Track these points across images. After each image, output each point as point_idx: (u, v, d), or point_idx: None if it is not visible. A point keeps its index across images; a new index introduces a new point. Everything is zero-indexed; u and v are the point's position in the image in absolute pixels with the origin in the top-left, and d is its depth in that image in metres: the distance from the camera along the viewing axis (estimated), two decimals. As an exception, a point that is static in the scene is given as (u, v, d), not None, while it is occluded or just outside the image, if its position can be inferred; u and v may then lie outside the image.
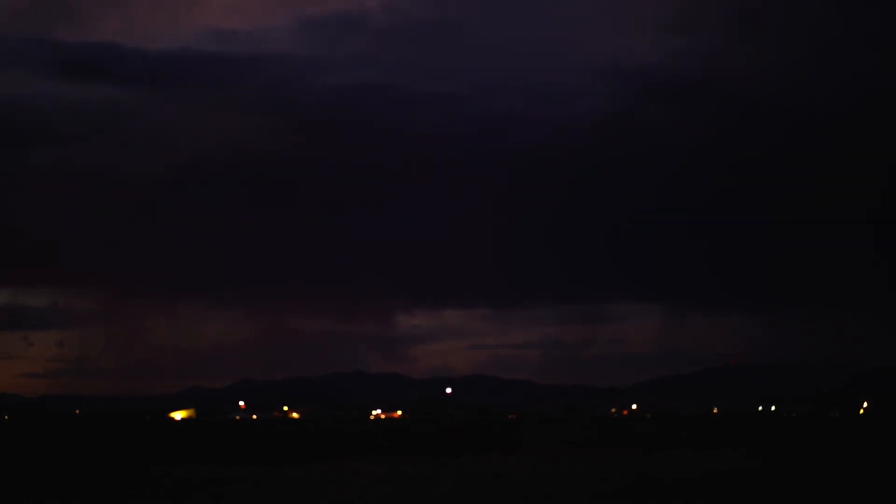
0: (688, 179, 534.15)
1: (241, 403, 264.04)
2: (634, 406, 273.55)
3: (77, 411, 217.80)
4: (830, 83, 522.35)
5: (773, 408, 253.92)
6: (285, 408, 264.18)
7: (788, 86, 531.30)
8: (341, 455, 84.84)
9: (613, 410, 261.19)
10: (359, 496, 50.58)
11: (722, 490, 51.32)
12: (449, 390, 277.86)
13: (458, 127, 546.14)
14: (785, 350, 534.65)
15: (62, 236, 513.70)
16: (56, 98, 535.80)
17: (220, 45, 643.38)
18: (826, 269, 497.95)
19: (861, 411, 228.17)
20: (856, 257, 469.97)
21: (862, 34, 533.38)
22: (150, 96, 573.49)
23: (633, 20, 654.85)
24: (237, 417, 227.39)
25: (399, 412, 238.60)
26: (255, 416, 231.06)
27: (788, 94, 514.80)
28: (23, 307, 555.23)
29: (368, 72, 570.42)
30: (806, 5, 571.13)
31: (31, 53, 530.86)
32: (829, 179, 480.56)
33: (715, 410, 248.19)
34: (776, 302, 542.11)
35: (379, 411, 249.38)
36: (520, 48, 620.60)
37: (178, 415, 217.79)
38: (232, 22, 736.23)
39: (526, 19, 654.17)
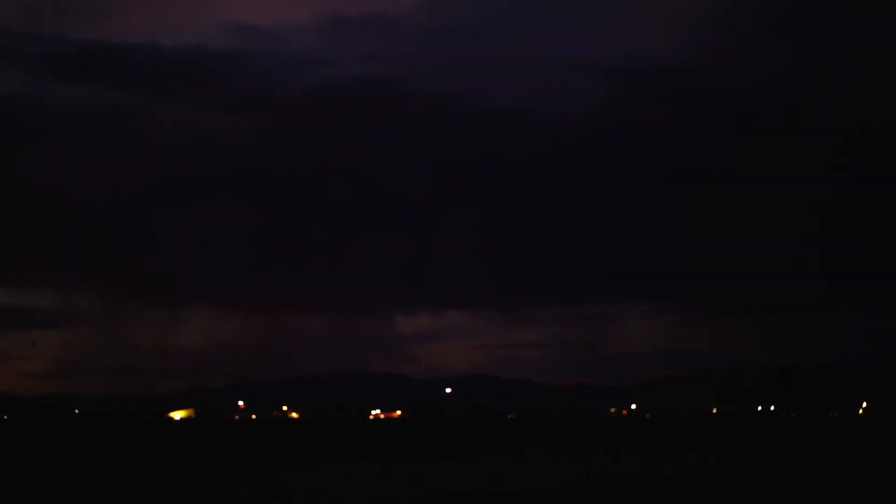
0: (687, 178, 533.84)
1: (241, 403, 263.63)
2: (634, 406, 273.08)
3: (76, 411, 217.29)
4: (828, 82, 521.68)
5: (772, 408, 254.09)
6: (284, 408, 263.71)
7: (784, 84, 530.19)
8: (341, 455, 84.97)
9: (613, 410, 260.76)
10: (359, 496, 50.70)
11: (720, 490, 51.48)
12: (449, 390, 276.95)
13: (457, 124, 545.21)
14: (785, 350, 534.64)
15: (62, 236, 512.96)
16: (59, 98, 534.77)
17: (238, 41, 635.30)
18: (827, 270, 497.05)
19: (860, 411, 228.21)
20: (856, 258, 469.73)
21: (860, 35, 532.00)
22: (153, 95, 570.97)
23: (633, 18, 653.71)
24: (236, 417, 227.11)
25: (399, 412, 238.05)
26: (254, 416, 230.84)
27: (786, 92, 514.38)
28: (23, 307, 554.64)
29: (370, 68, 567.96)
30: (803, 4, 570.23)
31: (37, 50, 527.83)
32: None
33: (714, 410, 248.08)
34: (777, 302, 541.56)
35: (378, 411, 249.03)
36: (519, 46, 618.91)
37: (177, 414, 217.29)
38: (259, 17, 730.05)
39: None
